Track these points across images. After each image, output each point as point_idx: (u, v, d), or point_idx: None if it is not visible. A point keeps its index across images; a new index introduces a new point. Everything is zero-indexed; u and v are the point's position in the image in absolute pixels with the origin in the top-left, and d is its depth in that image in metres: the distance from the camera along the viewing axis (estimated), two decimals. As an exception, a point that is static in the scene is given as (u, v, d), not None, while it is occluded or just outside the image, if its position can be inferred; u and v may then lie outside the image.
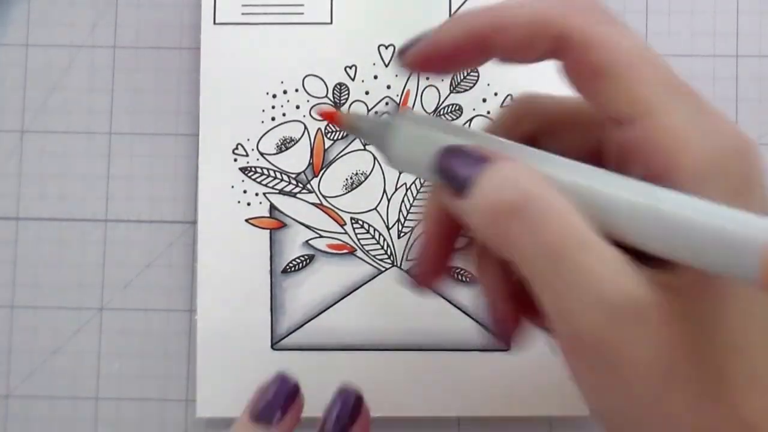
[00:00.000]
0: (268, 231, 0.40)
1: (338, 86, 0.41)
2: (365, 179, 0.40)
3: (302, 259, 0.40)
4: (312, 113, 0.40)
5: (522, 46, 0.27)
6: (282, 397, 0.36)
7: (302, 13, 0.41)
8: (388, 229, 0.40)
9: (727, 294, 0.25)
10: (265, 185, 0.40)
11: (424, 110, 0.40)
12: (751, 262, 0.19)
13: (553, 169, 0.27)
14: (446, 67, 0.28)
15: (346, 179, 0.40)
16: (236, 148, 0.40)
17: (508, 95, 0.40)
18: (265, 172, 0.40)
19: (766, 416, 0.25)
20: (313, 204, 0.40)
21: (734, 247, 0.20)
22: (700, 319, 0.25)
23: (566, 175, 0.26)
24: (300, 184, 0.40)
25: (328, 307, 0.40)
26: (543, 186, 0.26)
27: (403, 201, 0.40)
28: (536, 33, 0.26)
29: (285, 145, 0.40)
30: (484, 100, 0.40)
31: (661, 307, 0.24)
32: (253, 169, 0.40)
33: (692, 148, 0.24)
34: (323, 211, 0.40)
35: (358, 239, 0.40)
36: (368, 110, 0.40)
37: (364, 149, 0.40)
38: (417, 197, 0.40)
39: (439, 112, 0.40)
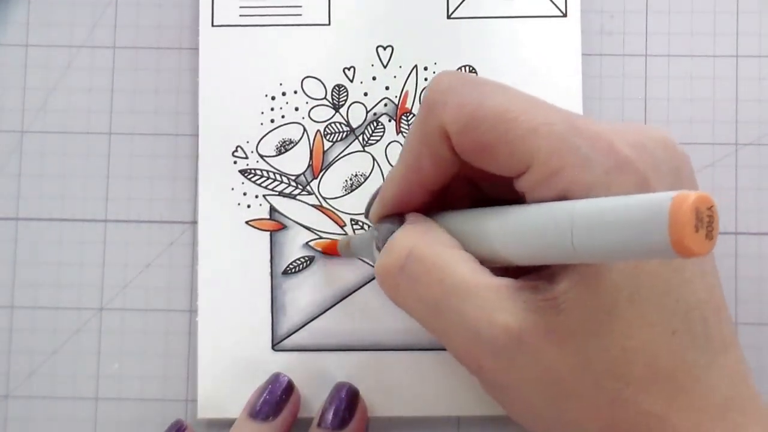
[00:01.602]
0: (269, 233, 0.40)
1: (337, 88, 0.40)
2: (365, 180, 0.40)
3: (302, 260, 0.40)
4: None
5: (436, 162, 0.29)
6: (277, 394, 0.38)
7: (300, 15, 0.41)
8: (388, 229, 0.40)
9: (611, 300, 0.25)
10: (265, 187, 0.40)
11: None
12: (660, 228, 0.19)
13: (450, 221, 0.29)
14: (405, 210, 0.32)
15: (346, 180, 0.40)
16: (236, 151, 0.40)
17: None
18: (265, 174, 0.40)
19: (676, 405, 0.25)
20: (312, 205, 0.40)
21: (643, 220, 0.20)
22: (589, 332, 0.25)
23: (462, 222, 0.29)
24: (300, 186, 0.40)
25: (329, 308, 0.40)
26: (426, 243, 0.28)
27: (402, 202, 0.40)
28: (433, 145, 0.28)
29: (284, 147, 0.40)
30: (484, 101, 0.40)
31: (540, 331, 0.25)
32: (252, 171, 0.40)
33: (578, 184, 0.25)
34: (323, 212, 0.40)
35: (358, 240, 0.40)
36: (367, 111, 0.40)
37: (364, 150, 0.40)
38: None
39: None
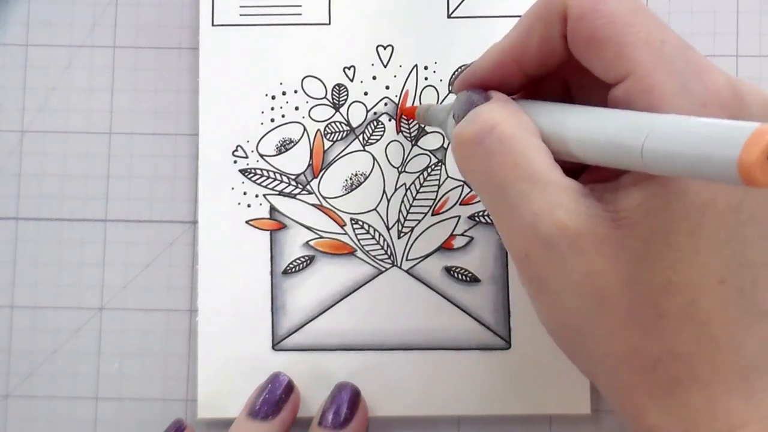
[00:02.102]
0: (269, 232, 0.40)
1: (337, 87, 0.41)
2: (365, 180, 0.40)
3: (303, 260, 0.40)
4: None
5: (544, 43, 0.29)
6: (276, 393, 0.38)
7: (300, 14, 0.41)
8: (388, 229, 0.40)
9: (668, 230, 0.25)
10: (265, 187, 0.40)
11: (424, 111, 0.40)
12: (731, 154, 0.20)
13: (531, 109, 0.29)
14: (494, 89, 0.31)
15: (346, 180, 0.40)
16: (236, 150, 0.40)
17: (507, 95, 0.40)
18: (265, 173, 0.40)
19: (702, 350, 0.26)
20: (313, 205, 0.40)
21: (717, 140, 0.20)
22: (641, 253, 0.26)
23: (544, 113, 0.29)
24: (300, 186, 0.40)
25: (329, 308, 0.40)
26: (510, 123, 0.28)
27: (402, 201, 0.40)
28: (547, 24, 0.28)
29: (284, 146, 0.40)
30: (484, 101, 0.40)
31: (595, 238, 0.26)
32: (252, 170, 0.40)
33: (668, 105, 0.25)
34: (323, 211, 0.40)
35: (358, 240, 0.40)
36: (367, 111, 0.41)
37: (364, 150, 0.40)
38: (416, 197, 0.40)
39: (439, 112, 0.40)
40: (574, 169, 0.28)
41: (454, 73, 0.40)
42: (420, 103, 0.40)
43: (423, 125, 0.40)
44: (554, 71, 0.30)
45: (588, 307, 0.27)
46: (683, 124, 0.22)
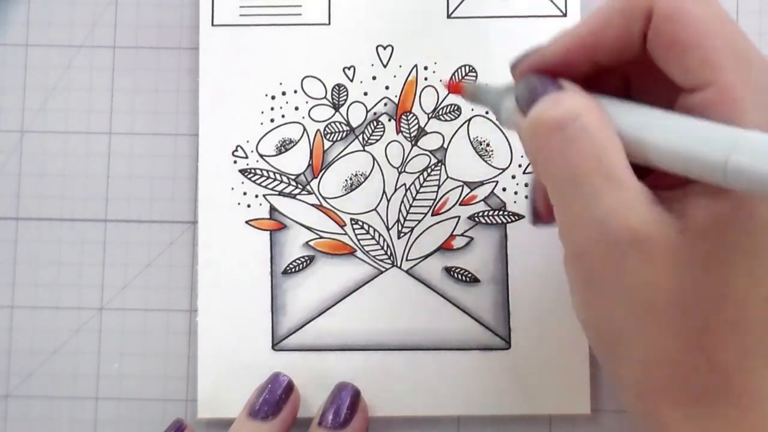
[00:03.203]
0: (269, 232, 0.40)
1: (337, 87, 0.41)
2: (365, 180, 0.40)
3: (302, 260, 0.40)
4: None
5: (622, 37, 0.28)
6: (276, 393, 0.38)
7: (300, 14, 0.41)
8: (388, 229, 0.40)
9: (728, 246, 0.25)
10: (265, 187, 0.40)
11: (423, 111, 0.40)
12: None
13: (609, 106, 0.28)
14: (559, 75, 0.30)
15: (346, 180, 0.40)
16: (236, 150, 0.40)
17: (507, 95, 0.40)
18: (265, 173, 0.40)
19: (742, 363, 0.26)
20: (312, 205, 0.40)
21: None
22: (700, 265, 0.26)
23: (622, 112, 0.28)
24: (300, 186, 0.40)
25: (329, 308, 0.40)
26: (593, 115, 0.27)
27: (402, 201, 0.40)
28: (630, 18, 0.28)
29: (284, 146, 0.40)
30: (484, 101, 0.40)
31: (661, 245, 0.26)
32: (252, 171, 0.40)
33: (748, 121, 0.25)
34: (323, 212, 0.40)
35: (358, 240, 0.40)
36: (367, 111, 0.40)
37: (364, 150, 0.40)
38: (416, 197, 0.40)
39: (438, 112, 0.40)
40: (640, 172, 0.28)
41: (454, 73, 0.40)
42: (420, 104, 0.40)
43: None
44: (619, 66, 0.30)
45: (637, 311, 0.27)
46: None
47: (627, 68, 0.30)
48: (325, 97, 0.41)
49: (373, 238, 0.40)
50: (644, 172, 0.27)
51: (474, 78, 0.40)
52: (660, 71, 0.28)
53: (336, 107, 0.40)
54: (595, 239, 0.27)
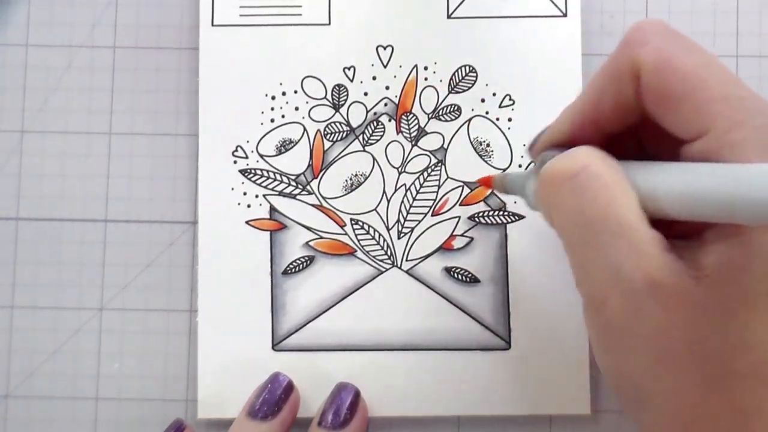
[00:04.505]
0: (269, 233, 0.40)
1: (337, 87, 0.41)
2: (365, 180, 0.40)
3: (302, 260, 0.40)
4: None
5: (618, 102, 0.29)
6: (276, 393, 0.38)
7: (300, 14, 0.41)
8: (388, 229, 0.40)
9: (746, 290, 0.25)
10: (265, 187, 0.40)
11: (423, 111, 0.40)
12: None
13: (623, 167, 0.28)
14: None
15: (346, 180, 0.40)
16: (236, 150, 0.40)
17: (506, 95, 0.40)
18: (265, 174, 0.40)
19: (762, 406, 0.26)
20: (312, 205, 0.40)
21: None
22: (718, 311, 0.25)
23: (632, 169, 0.28)
24: (300, 186, 0.40)
25: (329, 308, 0.40)
26: (604, 165, 0.28)
27: (402, 202, 0.40)
28: (620, 83, 0.28)
29: (284, 146, 0.40)
30: (483, 101, 0.40)
31: (677, 292, 0.25)
32: (252, 171, 0.40)
33: (751, 160, 0.25)
34: (323, 212, 0.40)
35: (358, 240, 0.40)
36: (367, 111, 0.40)
37: (364, 150, 0.40)
38: (416, 198, 0.40)
39: (438, 112, 0.40)
40: (651, 224, 0.28)
41: (454, 73, 0.40)
42: (420, 104, 0.40)
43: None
44: (628, 128, 0.30)
45: (657, 359, 0.27)
46: None
47: (637, 129, 0.30)
48: (325, 97, 0.41)
49: (373, 238, 0.40)
50: (660, 224, 0.27)
51: (473, 78, 0.40)
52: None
53: (336, 107, 0.40)
54: (611, 287, 0.27)
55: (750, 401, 0.26)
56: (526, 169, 0.40)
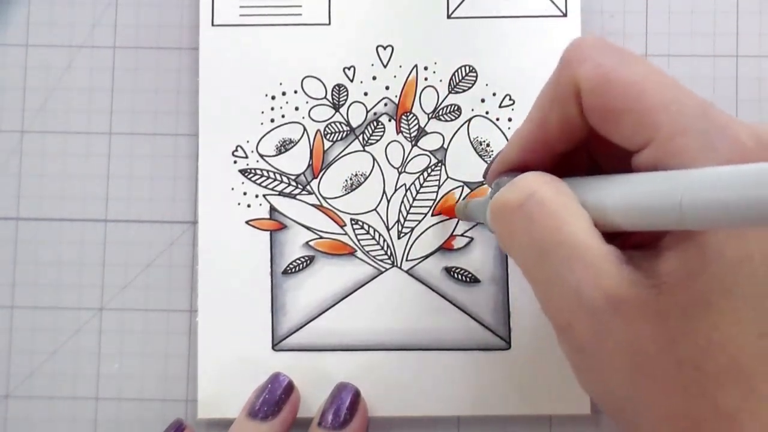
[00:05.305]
0: (269, 233, 0.40)
1: (337, 87, 0.41)
2: (365, 180, 0.40)
3: (302, 260, 0.40)
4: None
5: (564, 122, 0.29)
6: (276, 393, 0.38)
7: (300, 14, 0.41)
8: (388, 229, 0.40)
9: (706, 291, 0.25)
10: (265, 187, 0.40)
11: (423, 111, 0.40)
12: None
13: (569, 184, 0.29)
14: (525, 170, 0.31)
15: (346, 180, 0.40)
16: (236, 150, 0.40)
17: (506, 95, 0.40)
18: (265, 173, 0.40)
19: (747, 405, 0.25)
20: (312, 205, 0.40)
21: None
22: (681, 316, 0.25)
23: (580, 186, 0.28)
24: (300, 186, 0.40)
25: (329, 308, 0.40)
26: (550, 190, 0.28)
27: (402, 202, 0.40)
28: (563, 103, 0.28)
29: (284, 146, 0.40)
30: (483, 101, 0.40)
31: (638, 304, 0.25)
32: (252, 171, 0.40)
33: (696, 165, 0.25)
34: (323, 212, 0.40)
35: (358, 240, 0.40)
36: (367, 111, 0.40)
37: (364, 150, 0.40)
38: (416, 198, 0.40)
39: (438, 112, 0.40)
40: (607, 237, 0.28)
41: (454, 73, 0.40)
42: (420, 104, 0.40)
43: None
44: (578, 144, 0.30)
45: (632, 373, 0.27)
46: (718, 174, 0.22)
47: (587, 145, 0.31)
48: (325, 97, 0.41)
49: (373, 238, 0.40)
50: (617, 236, 0.28)
51: (473, 78, 0.40)
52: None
53: (336, 107, 0.40)
54: (574, 311, 0.27)
55: (731, 401, 0.26)
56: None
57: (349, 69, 0.41)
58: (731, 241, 0.25)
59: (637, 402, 0.27)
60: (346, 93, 0.41)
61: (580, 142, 0.30)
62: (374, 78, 0.41)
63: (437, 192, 0.40)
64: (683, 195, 0.23)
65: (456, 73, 0.40)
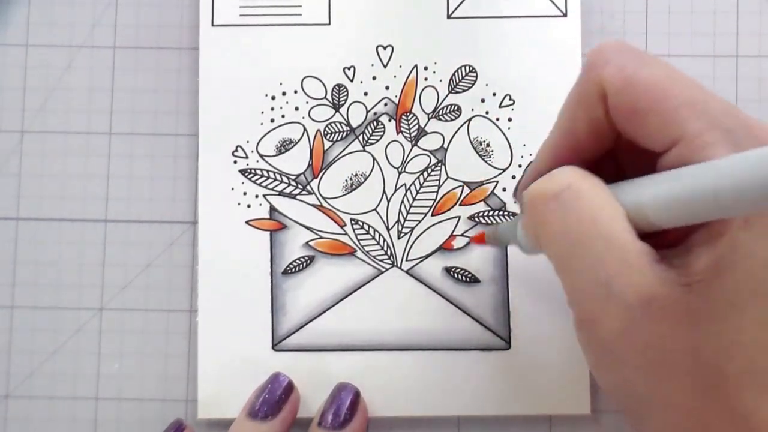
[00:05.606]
0: (269, 233, 0.40)
1: (337, 87, 0.41)
2: (365, 180, 0.40)
3: (302, 260, 0.40)
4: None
5: (591, 126, 0.29)
6: (276, 393, 0.38)
7: (300, 14, 0.41)
8: (388, 229, 0.40)
9: (736, 290, 0.25)
10: (265, 187, 0.40)
11: (423, 111, 0.40)
12: None
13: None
14: None
15: (346, 180, 0.40)
16: (236, 150, 0.40)
17: (506, 95, 0.40)
18: (265, 173, 0.40)
19: (759, 406, 0.25)
20: (312, 205, 0.40)
21: None
22: (709, 316, 0.25)
23: (615, 187, 0.28)
24: (300, 186, 0.40)
25: (329, 308, 0.40)
26: (586, 182, 0.28)
27: (402, 202, 0.40)
28: (589, 106, 0.28)
29: (284, 146, 0.40)
30: (483, 101, 0.40)
31: (669, 303, 0.25)
32: (252, 171, 0.40)
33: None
34: (323, 212, 0.40)
35: (358, 240, 0.40)
36: (367, 111, 0.40)
37: (364, 150, 0.40)
38: (416, 198, 0.40)
39: (438, 112, 0.40)
40: (641, 238, 0.28)
41: (454, 73, 0.40)
42: (420, 104, 0.40)
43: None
44: (606, 152, 0.30)
45: (653, 371, 0.27)
46: (747, 157, 0.22)
47: (615, 152, 0.31)
48: (325, 97, 0.41)
49: (373, 238, 0.40)
50: (649, 238, 0.27)
51: (473, 78, 0.40)
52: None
53: (336, 107, 0.40)
54: (603, 305, 0.27)
55: (747, 404, 0.26)
56: (525, 169, 0.40)
57: (349, 69, 0.41)
58: (761, 240, 0.25)
59: (654, 400, 0.27)
60: (346, 93, 0.41)
61: (608, 148, 0.30)
62: (374, 78, 0.41)
63: (437, 192, 0.40)
64: (716, 181, 0.23)
65: (456, 73, 0.40)
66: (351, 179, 0.40)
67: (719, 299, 0.25)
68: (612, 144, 0.30)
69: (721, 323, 0.25)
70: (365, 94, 0.40)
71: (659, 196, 0.26)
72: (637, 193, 0.27)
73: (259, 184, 0.40)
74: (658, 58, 0.28)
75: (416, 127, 0.40)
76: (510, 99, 0.40)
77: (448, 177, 0.40)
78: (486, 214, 0.40)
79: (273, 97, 0.40)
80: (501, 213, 0.40)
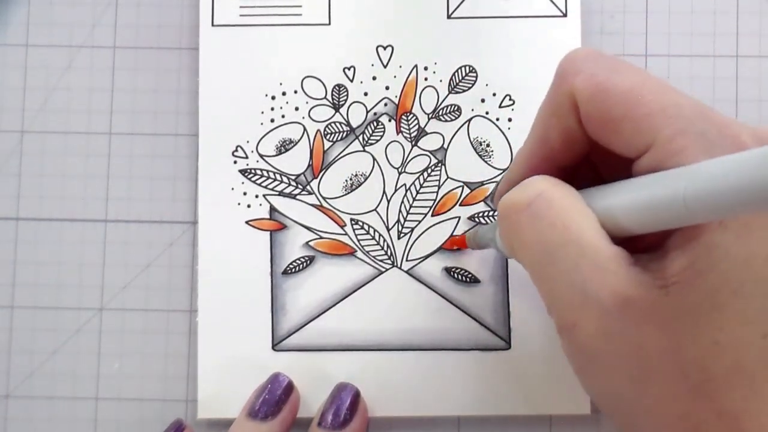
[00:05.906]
0: (269, 233, 0.40)
1: (337, 87, 0.41)
2: (365, 180, 0.40)
3: (302, 260, 0.40)
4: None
5: (564, 135, 0.29)
6: (276, 393, 0.38)
7: (300, 15, 0.41)
8: (388, 230, 0.40)
9: (713, 291, 0.25)
10: (265, 187, 0.40)
11: (423, 111, 0.40)
12: None
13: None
14: None
15: (346, 180, 0.40)
16: (236, 150, 0.40)
17: (506, 95, 0.40)
18: (265, 174, 0.40)
19: (748, 406, 0.25)
20: (312, 205, 0.40)
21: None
22: (688, 317, 0.25)
23: (587, 194, 0.28)
24: (300, 186, 0.40)
25: (329, 308, 0.40)
26: (558, 190, 0.28)
27: (402, 202, 0.40)
28: (562, 116, 0.29)
29: (284, 146, 0.40)
30: (483, 101, 0.40)
31: (646, 305, 0.25)
32: (252, 171, 0.40)
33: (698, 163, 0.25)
34: (323, 212, 0.40)
35: (358, 240, 0.40)
36: (367, 111, 0.40)
37: (364, 150, 0.40)
38: (416, 198, 0.40)
39: (438, 112, 0.40)
40: (615, 243, 0.28)
41: (454, 73, 0.40)
42: (420, 104, 0.40)
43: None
44: (580, 158, 0.30)
45: (636, 375, 0.27)
46: (718, 163, 0.22)
47: (589, 158, 0.31)
48: (325, 97, 0.41)
49: (373, 238, 0.40)
50: (623, 243, 0.27)
51: (473, 78, 0.40)
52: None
53: (336, 107, 0.40)
54: (580, 311, 0.27)
55: (736, 403, 0.26)
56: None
57: (349, 69, 0.41)
58: (737, 240, 0.25)
59: (640, 404, 0.27)
60: (346, 93, 0.41)
61: (582, 155, 0.30)
62: (374, 78, 0.41)
63: (437, 192, 0.40)
64: (686, 187, 0.23)
65: (456, 73, 0.40)
66: (351, 179, 0.40)
67: (698, 300, 0.25)
68: (587, 151, 0.30)
69: (701, 324, 0.25)
70: (365, 94, 0.41)
71: (630, 202, 0.26)
72: (609, 199, 0.27)
73: (259, 184, 0.40)
74: (631, 64, 0.28)
75: (416, 127, 0.40)
76: (510, 99, 0.40)
77: (448, 177, 0.40)
78: (486, 214, 0.40)
79: (273, 97, 0.40)
80: None
